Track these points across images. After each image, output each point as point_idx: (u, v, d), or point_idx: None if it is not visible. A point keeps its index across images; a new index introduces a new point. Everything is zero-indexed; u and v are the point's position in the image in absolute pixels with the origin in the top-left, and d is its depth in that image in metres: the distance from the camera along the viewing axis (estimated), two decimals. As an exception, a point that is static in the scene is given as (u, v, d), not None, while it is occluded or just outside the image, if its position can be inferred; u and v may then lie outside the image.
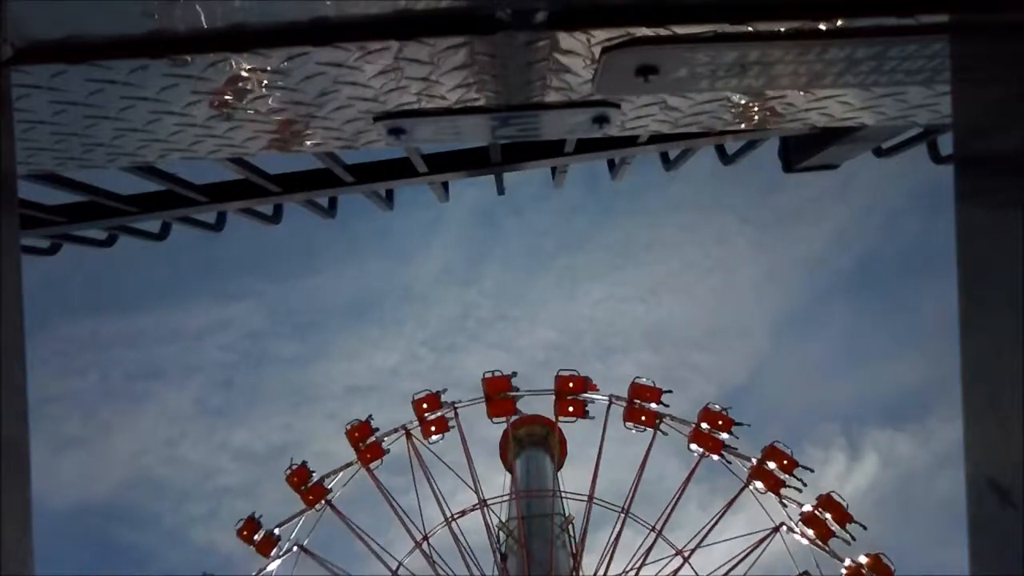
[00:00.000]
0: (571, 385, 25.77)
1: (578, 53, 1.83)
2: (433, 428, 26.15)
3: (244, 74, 1.82)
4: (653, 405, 25.35)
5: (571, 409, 25.50)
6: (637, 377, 25.98)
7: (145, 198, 4.43)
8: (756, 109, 2.24)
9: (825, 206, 60.30)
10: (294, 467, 26.11)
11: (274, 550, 25.12)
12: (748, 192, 57.71)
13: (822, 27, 1.75)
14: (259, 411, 67.16)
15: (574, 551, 22.45)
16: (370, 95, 1.97)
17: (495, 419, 26.02)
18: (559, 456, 26.40)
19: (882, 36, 1.78)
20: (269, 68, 1.80)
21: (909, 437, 59.86)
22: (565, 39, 1.77)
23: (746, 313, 64.03)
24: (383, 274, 65.49)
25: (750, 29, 1.75)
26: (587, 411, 25.68)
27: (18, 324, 1.31)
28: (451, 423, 26.14)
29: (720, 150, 4.54)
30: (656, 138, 4.03)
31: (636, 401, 25.61)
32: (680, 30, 1.75)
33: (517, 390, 25.64)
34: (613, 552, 23.87)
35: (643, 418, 25.35)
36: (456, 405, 26.46)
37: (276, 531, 25.56)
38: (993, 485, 1.19)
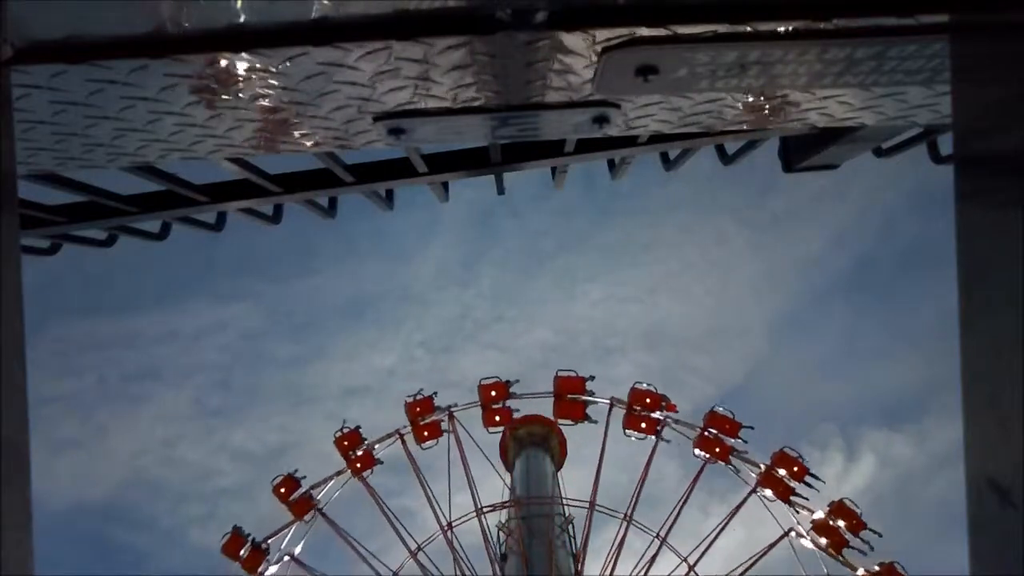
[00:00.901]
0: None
1: (578, 53, 1.83)
2: (426, 433, 25.35)
3: (244, 74, 1.82)
4: (656, 413, 24.45)
5: (643, 425, 24.54)
6: (637, 382, 25.26)
7: (145, 198, 4.43)
8: (756, 109, 2.24)
9: (823, 207, 60.46)
10: (281, 477, 25.05)
11: (263, 566, 24.04)
12: (746, 193, 57.84)
13: (822, 27, 1.75)
14: (257, 412, 67.14)
15: (574, 551, 22.41)
16: (370, 95, 1.97)
17: (491, 429, 25.27)
18: (559, 456, 26.30)
19: (882, 36, 1.78)
20: (269, 68, 1.80)
21: (906, 438, 59.95)
22: (565, 39, 1.77)
23: (744, 314, 64.13)
24: (381, 275, 65.55)
25: (750, 29, 1.75)
26: (587, 414, 24.88)
27: (18, 324, 1.31)
28: (445, 428, 25.35)
29: (720, 150, 4.54)
30: (656, 138, 4.03)
31: (636, 408, 24.79)
32: (680, 30, 1.75)
33: (515, 396, 24.92)
34: (617, 559, 23.44)
35: (643, 425, 24.58)
36: (451, 409, 25.76)
37: (266, 544, 24.42)
38: (993, 485, 1.19)
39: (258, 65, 1.78)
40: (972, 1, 1.51)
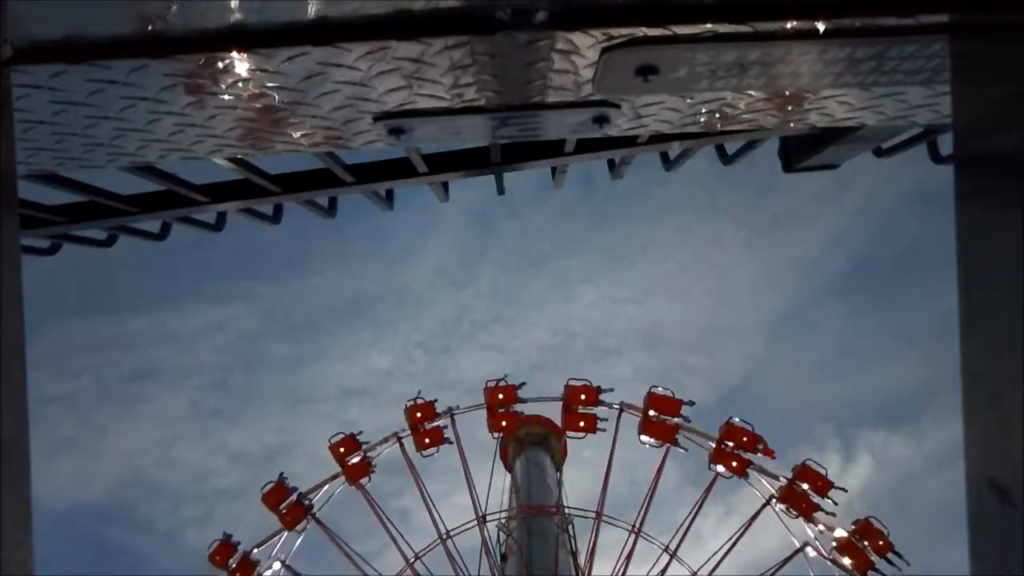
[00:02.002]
0: (583, 397, 23.75)
1: (578, 53, 1.83)
2: (427, 440, 24.20)
3: (244, 74, 1.82)
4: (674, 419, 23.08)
5: (582, 424, 23.63)
6: (654, 386, 23.60)
7: (145, 198, 4.43)
8: (756, 109, 2.24)
9: (820, 208, 60.47)
10: (271, 485, 23.66)
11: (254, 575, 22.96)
12: (744, 193, 57.85)
13: (822, 27, 1.75)
14: (254, 413, 66.82)
15: (574, 551, 22.35)
16: (370, 95, 1.97)
17: (497, 434, 24.05)
18: (559, 456, 26.20)
19: (882, 36, 1.78)
20: (269, 68, 1.80)
21: (903, 438, 59.91)
22: (565, 39, 1.77)
23: (741, 314, 64.04)
24: (378, 276, 65.44)
25: (750, 29, 1.75)
26: (599, 427, 23.70)
27: (18, 324, 1.31)
28: (447, 434, 24.29)
29: (720, 150, 4.54)
30: (656, 138, 4.03)
31: (653, 413, 23.24)
32: (680, 30, 1.75)
33: (523, 402, 23.87)
34: (625, 570, 22.89)
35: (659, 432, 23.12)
36: (453, 412, 24.72)
37: (255, 552, 23.37)
38: (993, 485, 1.19)
39: (258, 65, 1.78)
40: (972, 1, 1.51)
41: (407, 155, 4.13)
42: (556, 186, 5.07)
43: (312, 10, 1.65)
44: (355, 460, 24.27)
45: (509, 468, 25.70)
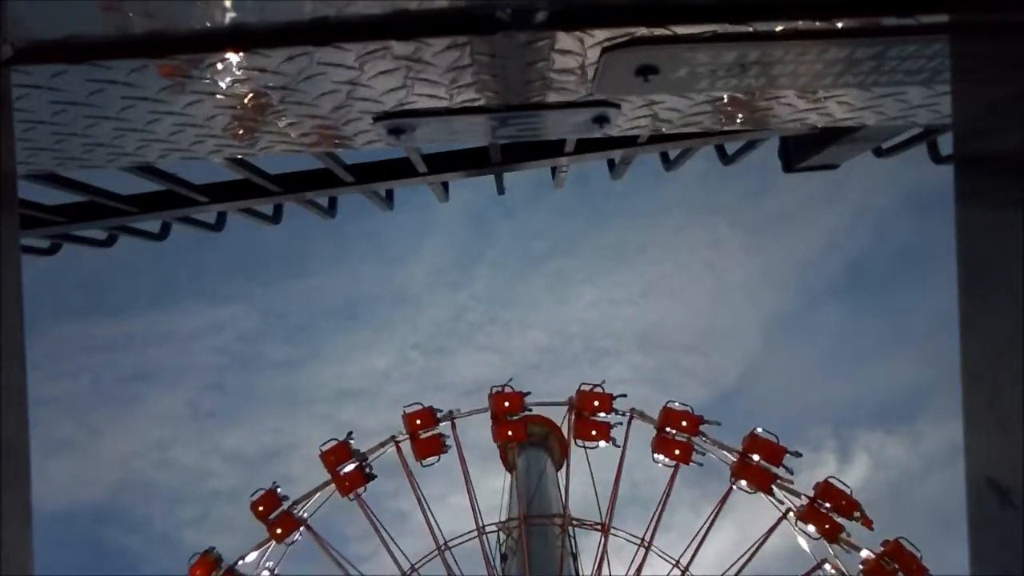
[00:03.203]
0: (596, 403, 22.20)
1: (578, 53, 1.83)
2: (427, 448, 22.71)
3: (244, 74, 1.82)
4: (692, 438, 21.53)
5: (594, 432, 22.07)
6: (670, 401, 21.99)
7: (145, 198, 4.43)
8: (756, 109, 2.24)
9: (816, 209, 60.31)
10: (260, 493, 22.18)
11: None
12: (739, 195, 57.80)
13: (822, 27, 1.75)
14: (251, 414, 66.37)
15: (574, 552, 22.32)
16: (370, 95, 1.97)
17: (503, 443, 22.67)
18: (559, 456, 26.15)
19: (882, 36, 1.78)
20: (269, 68, 1.80)
21: (900, 439, 59.69)
22: (565, 39, 1.77)
23: (738, 315, 63.92)
24: (374, 277, 65.32)
25: (750, 29, 1.75)
26: (613, 437, 22.13)
27: (18, 324, 1.31)
28: (447, 442, 22.87)
29: (720, 150, 4.54)
30: (656, 138, 4.03)
31: (669, 430, 21.66)
32: (680, 30, 1.75)
33: (529, 410, 22.38)
34: None
35: (677, 452, 21.62)
36: (454, 416, 23.33)
37: (240, 564, 21.83)
38: (993, 485, 1.19)
39: (258, 65, 1.78)
40: (972, 1, 1.51)
41: (407, 155, 4.13)
42: (556, 186, 5.07)
43: (312, 10, 1.65)
44: (348, 469, 22.72)
45: (509, 468, 25.68)
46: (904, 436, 58.33)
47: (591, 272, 67.84)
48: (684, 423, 21.64)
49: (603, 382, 22.74)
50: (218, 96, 1.92)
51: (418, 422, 22.75)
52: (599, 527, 22.70)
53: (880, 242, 59.14)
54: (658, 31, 1.75)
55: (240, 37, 1.70)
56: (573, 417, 22.49)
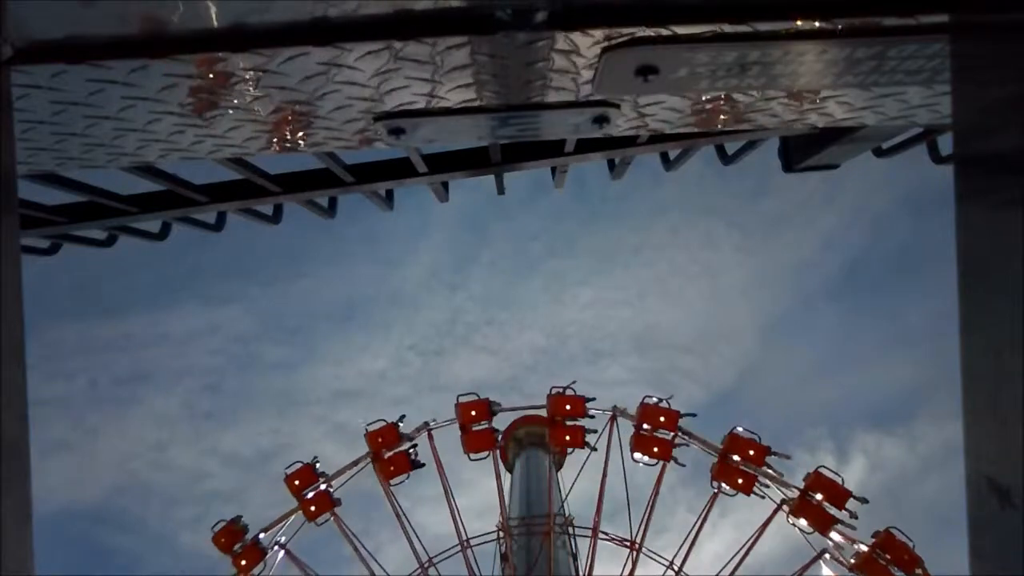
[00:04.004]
0: (568, 407, 21.09)
1: (578, 53, 1.83)
2: (392, 468, 21.39)
3: (244, 74, 1.82)
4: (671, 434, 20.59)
5: (568, 438, 21.04)
6: (647, 396, 20.98)
7: (145, 198, 4.44)
8: (756, 109, 2.24)
9: (812, 210, 60.32)
10: (222, 524, 20.76)
11: None
12: (736, 196, 57.82)
13: (822, 27, 1.75)
14: (247, 415, 66.11)
15: (574, 552, 22.31)
16: (370, 95, 1.97)
17: (473, 455, 21.56)
18: (559, 457, 26.12)
19: (882, 36, 1.78)
20: (269, 68, 1.80)
21: (896, 440, 59.67)
22: (565, 39, 1.77)
23: (734, 317, 63.92)
24: (371, 278, 65.27)
25: (750, 29, 1.75)
26: (587, 442, 21.10)
27: (18, 324, 1.31)
28: (414, 460, 21.50)
29: (720, 150, 4.54)
30: (656, 138, 4.03)
31: (646, 427, 20.67)
32: (680, 30, 1.75)
33: (494, 414, 21.42)
34: None
35: (655, 449, 20.62)
36: (429, 427, 22.02)
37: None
38: (993, 485, 1.19)
39: (258, 65, 1.78)
40: (972, 1, 1.51)
41: (407, 155, 4.13)
42: (556, 186, 5.08)
43: (312, 10, 1.65)
44: (313, 493, 21.26)
45: (509, 468, 25.69)
46: (901, 437, 58.43)
47: (588, 273, 68.02)
48: (662, 419, 20.60)
49: (574, 382, 21.74)
50: (218, 96, 1.92)
51: (379, 440, 21.27)
52: (588, 531, 21.90)
53: (877, 243, 59.24)
54: (658, 31, 1.75)
55: (240, 37, 1.70)
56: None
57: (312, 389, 65.00)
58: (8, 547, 1.18)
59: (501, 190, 5.08)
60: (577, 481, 22.74)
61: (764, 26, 1.75)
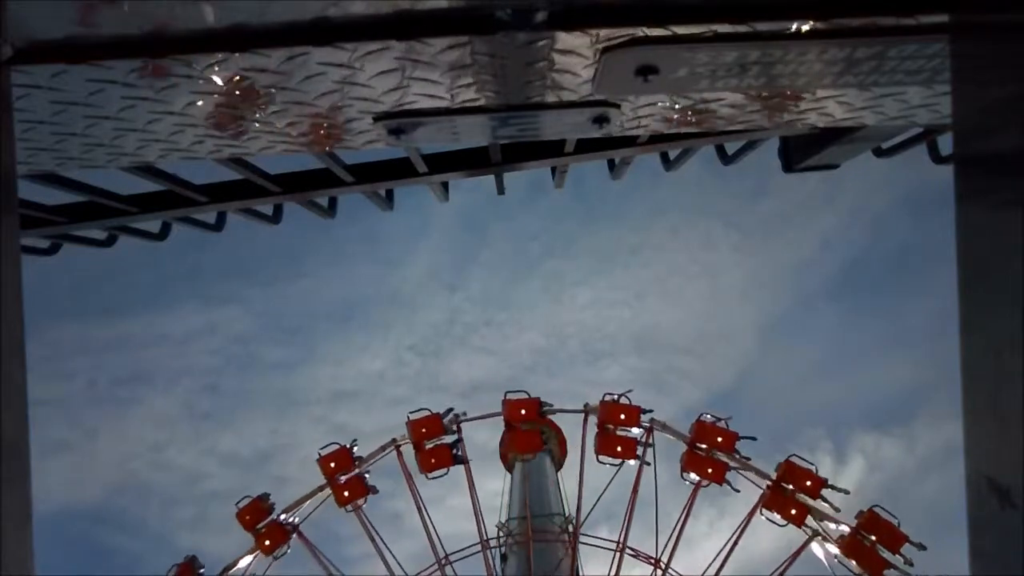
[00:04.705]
0: (622, 416, 19.74)
1: (578, 53, 1.83)
2: (347, 493, 20.35)
3: (244, 74, 1.82)
4: (633, 431, 19.87)
5: (619, 449, 19.76)
6: (607, 393, 20.16)
7: (145, 198, 4.44)
8: (756, 109, 2.24)
9: (811, 210, 60.33)
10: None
11: None
12: (734, 196, 57.79)
13: (822, 27, 1.75)
14: (246, 416, 65.86)
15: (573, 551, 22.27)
16: (370, 95, 1.97)
17: (430, 475, 20.39)
18: (559, 455, 26.14)
19: (882, 36, 1.78)
20: (269, 68, 1.80)
21: (895, 440, 59.59)
22: (565, 39, 1.77)
23: (733, 317, 63.93)
24: (370, 278, 65.34)
25: (750, 29, 1.75)
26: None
27: (18, 324, 1.31)
28: (371, 484, 20.54)
29: (720, 150, 4.54)
30: (656, 138, 4.03)
31: (609, 426, 19.93)
32: (680, 30, 1.75)
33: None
34: None
35: (619, 448, 19.76)
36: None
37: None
38: (993, 485, 1.19)
39: (258, 65, 1.78)
40: (972, 1, 1.51)
41: (407, 155, 4.13)
42: (556, 186, 5.08)
43: (312, 10, 1.65)
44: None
45: (509, 468, 25.66)
46: (899, 438, 58.41)
47: (586, 274, 67.97)
48: (623, 416, 19.76)
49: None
50: (218, 96, 1.92)
51: (423, 430, 20.45)
52: (566, 536, 20.82)
53: (876, 243, 59.26)
54: (658, 31, 1.75)
55: (240, 37, 1.70)
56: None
57: (311, 389, 65.03)
58: (8, 547, 1.18)
59: (501, 190, 5.08)
60: (573, 483, 22.34)
61: (764, 26, 1.75)
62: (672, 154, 4.67)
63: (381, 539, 20.91)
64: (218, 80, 1.84)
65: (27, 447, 1.29)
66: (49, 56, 1.68)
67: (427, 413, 20.76)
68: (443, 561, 21.13)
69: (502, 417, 20.97)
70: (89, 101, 1.89)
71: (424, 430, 20.52)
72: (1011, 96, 1.26)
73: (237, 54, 1.73)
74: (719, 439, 19.19)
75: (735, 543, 19.91)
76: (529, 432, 20.55)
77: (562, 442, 25.43)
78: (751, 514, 19.52)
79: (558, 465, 25.30)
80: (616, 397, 20.22)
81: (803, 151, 4.36)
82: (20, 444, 1.27)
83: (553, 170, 4.76)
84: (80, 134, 2.09)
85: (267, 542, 20.09)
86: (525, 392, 20.84)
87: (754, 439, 19.59)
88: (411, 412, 20.74)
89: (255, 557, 20.49)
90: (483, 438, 23.14)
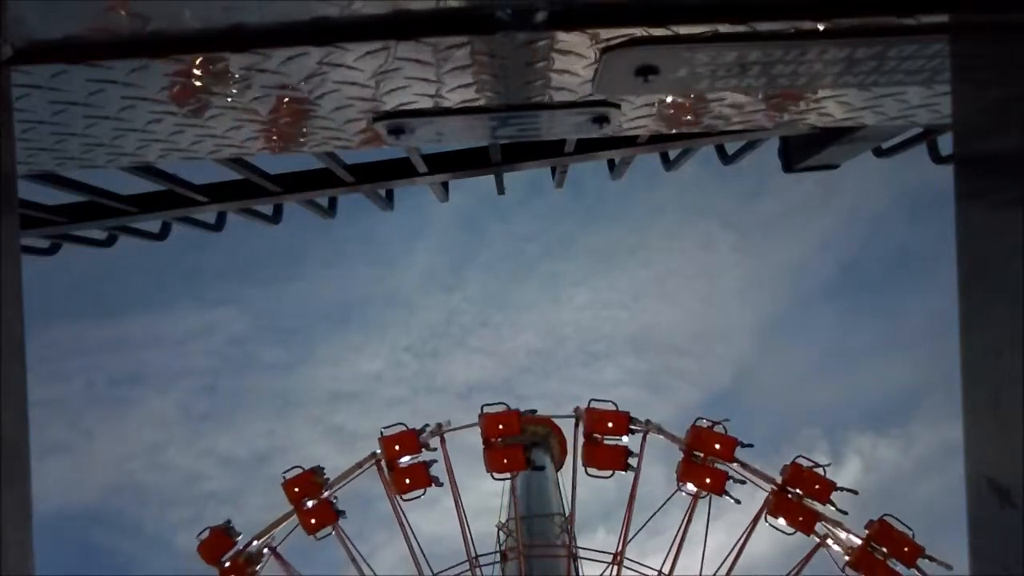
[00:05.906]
0: (610, 425, 18.66)
1: (578, 53, 1.83)
2: (313, 521, 18.85)
3: (244, 74, 1.82)
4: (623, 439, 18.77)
5: (505, 461, 18.86)
6: (593, 399, 19.02)
7: (145, 198, 4.44)
8: (756, 109, 2.24)
9: (809, 211, 60.39)
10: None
11: None
12: (732, 197, 57.84)
13: (822, 27, 1.75)
14: (243, 417, 65.66)
15: (574, 551, 22.28)
16: (370, 95, 1.97)
17: (404, 496, 19.01)
18: (559, 456, 26.10)
19: (882, 36, 1.78)
20: (269, 68, 1.80)
21: (892, 441, 59.52)
22: (565, 39, 1.77)
23: (730, 318, 64.03)
24: (367, 279, 65.49)
25: (750, 29, 1.76)
26: (531, 460, 19.16)
27: (18, 324, 1.31)
28: (340, 511, 19.10)
29: (720, 150, 4.54)
30: (656, 138, 4.04)
31: (597, 436, 18.73)
32: (680, 30, 1.75)
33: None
34: None
35: (607, 459, 18.73)
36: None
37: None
38: (993, 485, 1.19)
39: (258, 65, 1.78)
40: (972, 1, 1.51)
41: (407, 155, 4.13)
42: (556, 186, 5.08)
43: (312, 10, 1.65)
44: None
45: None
46: (896, 438, 58.33)
47: (584, 274, 67.88)
48: (611, 424, 18.69)
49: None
50: (218, 96, 1.92)
51: (396, 448, 18.88)
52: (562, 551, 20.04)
53: (873, 244, 59.33)
54: (658, 31, 1.75)
55: (240, 37, 1.70)
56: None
57: (308, 391, 65.16)
58: (8, 548, 1.18)
59: (501, 190, 5.09)
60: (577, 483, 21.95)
61: (764, 26, 1.75)
62: (672, 154, 4.67)
63: (362, 557, 19.51)
64: (218, 80, 1.84)
65: (27, 447, 1.29)
66: (49, 56, 1.68)
67: (402, 428, 19.25)
68: None
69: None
70: (89, 101, 1.89)
71: (398, 447, 19.06)
72: (1011, 96, 1.26)
73: (237, 54, 1.73)
74: (717, 446, 18.10)
75: (738, 554, 18.81)
76: (510, 448, 18.96)
77: (562, 443, 25.35)
78: (755, 521, 18.47)
79: (558, 465, 25.26)
80: (604, 404, 19.01)
81: (803, 151, 4.36)
82: (20, 444, 1.27)
83: (553, 170, 4.76)
84: (80, 134, 2.09)
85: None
86: (504, 404, 19.40)
87: (751, 446, 18.58)
88: (384, 428, 19.30)
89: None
90: (479, 437, 22.85)
